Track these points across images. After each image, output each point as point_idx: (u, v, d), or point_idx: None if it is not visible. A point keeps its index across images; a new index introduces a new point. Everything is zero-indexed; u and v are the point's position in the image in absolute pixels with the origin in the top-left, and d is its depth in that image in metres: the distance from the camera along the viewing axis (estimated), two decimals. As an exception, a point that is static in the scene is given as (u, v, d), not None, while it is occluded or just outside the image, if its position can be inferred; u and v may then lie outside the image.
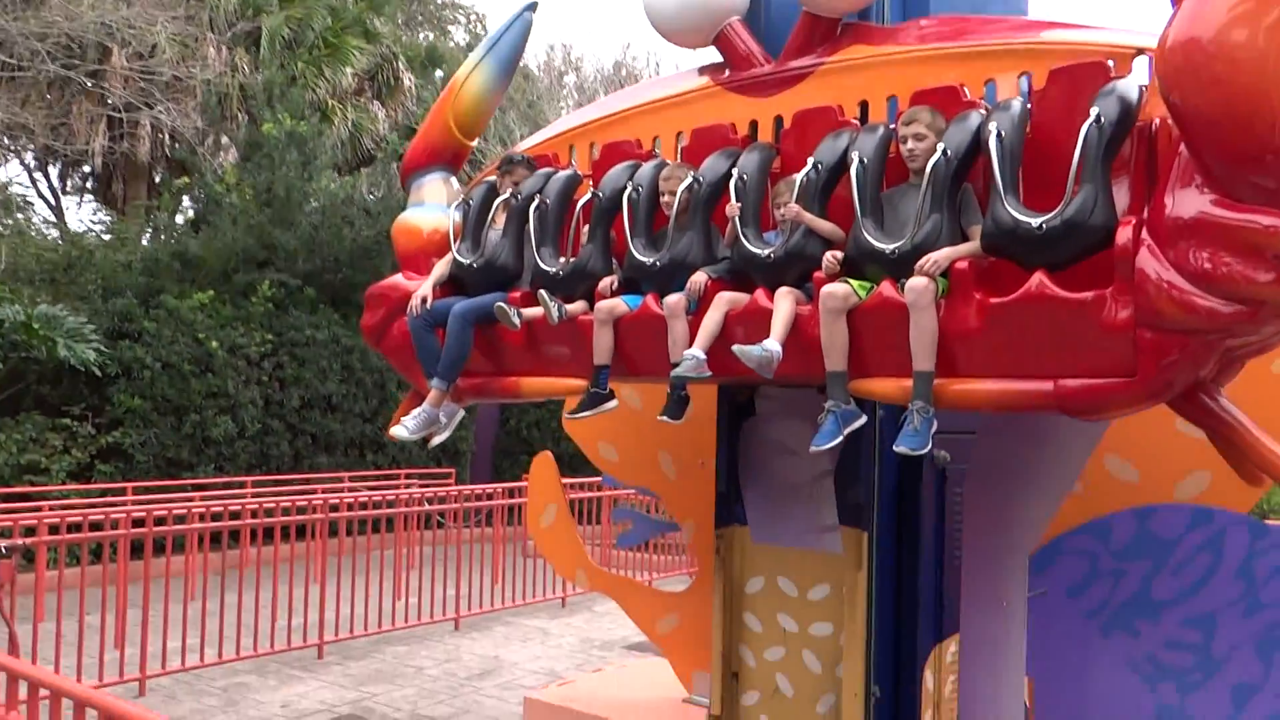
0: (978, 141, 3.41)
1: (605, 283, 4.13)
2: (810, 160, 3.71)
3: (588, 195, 4.26)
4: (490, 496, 10.66)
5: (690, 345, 3.76)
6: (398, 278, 4.81)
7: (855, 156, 3.58)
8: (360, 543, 9.45)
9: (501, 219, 4.55)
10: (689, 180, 3.97)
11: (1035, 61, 3.61)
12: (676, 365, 3.75)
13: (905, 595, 4.30)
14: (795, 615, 4.44)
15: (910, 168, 3.60)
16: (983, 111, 3.50)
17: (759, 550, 4.54)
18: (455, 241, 4.64)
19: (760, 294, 3.72)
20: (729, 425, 4.68)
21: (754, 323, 3.70)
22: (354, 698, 7.11)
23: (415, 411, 4.35)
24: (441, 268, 4.63)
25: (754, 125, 4.28)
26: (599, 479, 10.27)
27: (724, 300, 3.79)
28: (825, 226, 3.68)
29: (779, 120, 4.20)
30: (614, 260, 4.28)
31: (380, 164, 16.52)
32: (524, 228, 4.46)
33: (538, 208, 4.38)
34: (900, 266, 3.42)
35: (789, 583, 4.47)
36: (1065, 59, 3.49)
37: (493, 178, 4.69)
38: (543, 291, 4.14)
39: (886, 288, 3.42)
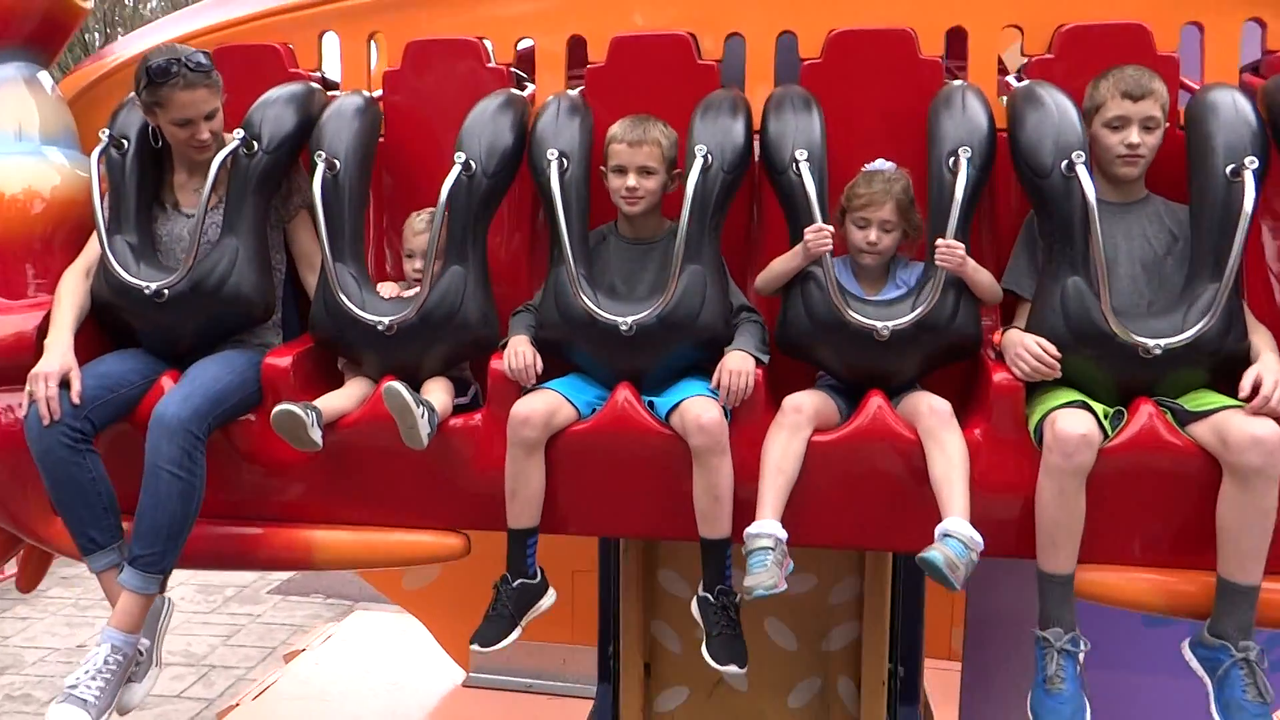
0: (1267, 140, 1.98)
1: (517, 356, 2.06)
2: (964, 153, 1.97)
3: (457, 169, 2.07)
4: None
5: (748, 509, 1.96)
6: (-51, 305, 2.19)
7: (1077, 160, 1.92)
8: None
9: (218, 193, 2.18)
10: (701, 159, 2.02)
11: (1272, 4, 2.21)
12: (740, 566, 1.93)
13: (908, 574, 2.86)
14: None
15: (1121, 175, 2.05)
16: (1228, 85, 2.06)
17: None
18: (106, 233, 2.15)
19: (880, 406, 1.98)
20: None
21: (866, 462, 1.98)
22: None
23: (95, 657, 1.91)
24: (74, 294, 2.14)
25: (732, 41, 2.36)
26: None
27: (802, 415, 1.99)
28: (985, 280, 2.02)
29: (786, 37, 2.34)
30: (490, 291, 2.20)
31: None
32: (278, 213, 2.20)
33: (324, 175, 2.11)
34: (1161, 373, 1.93)
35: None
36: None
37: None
38: (399, 386, 1.95)
39: (1150, 418, 1.90)
